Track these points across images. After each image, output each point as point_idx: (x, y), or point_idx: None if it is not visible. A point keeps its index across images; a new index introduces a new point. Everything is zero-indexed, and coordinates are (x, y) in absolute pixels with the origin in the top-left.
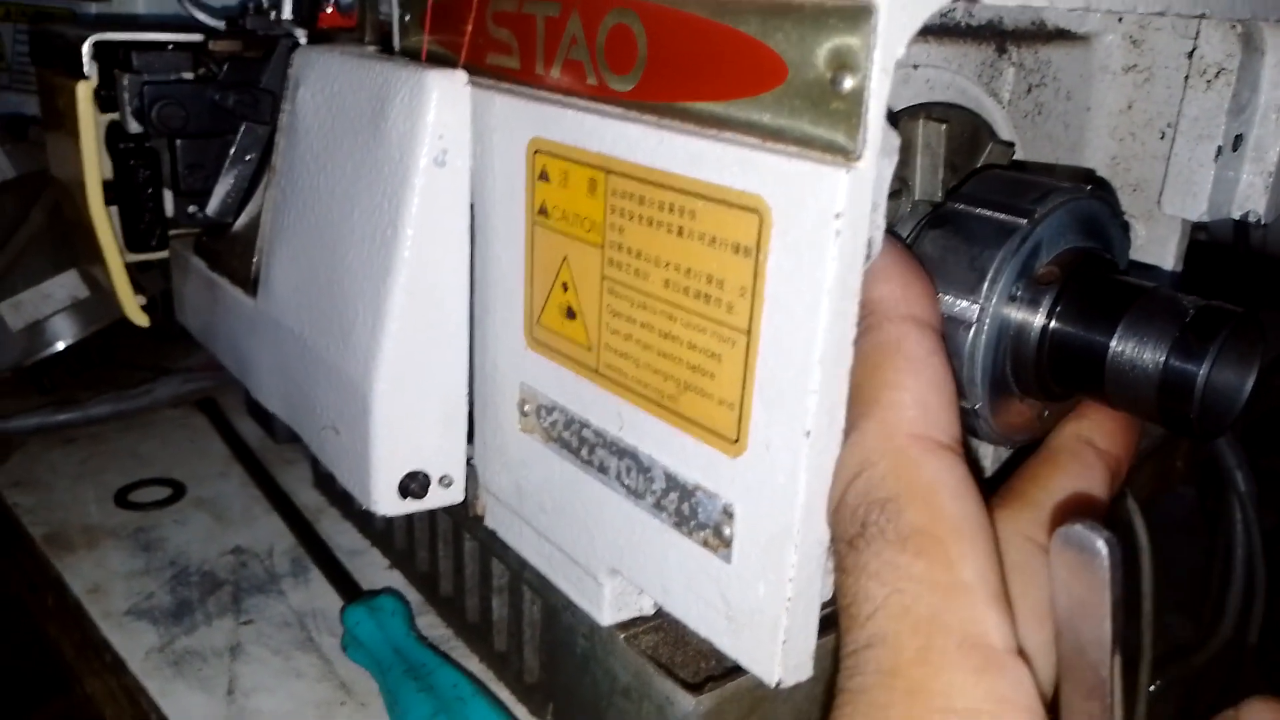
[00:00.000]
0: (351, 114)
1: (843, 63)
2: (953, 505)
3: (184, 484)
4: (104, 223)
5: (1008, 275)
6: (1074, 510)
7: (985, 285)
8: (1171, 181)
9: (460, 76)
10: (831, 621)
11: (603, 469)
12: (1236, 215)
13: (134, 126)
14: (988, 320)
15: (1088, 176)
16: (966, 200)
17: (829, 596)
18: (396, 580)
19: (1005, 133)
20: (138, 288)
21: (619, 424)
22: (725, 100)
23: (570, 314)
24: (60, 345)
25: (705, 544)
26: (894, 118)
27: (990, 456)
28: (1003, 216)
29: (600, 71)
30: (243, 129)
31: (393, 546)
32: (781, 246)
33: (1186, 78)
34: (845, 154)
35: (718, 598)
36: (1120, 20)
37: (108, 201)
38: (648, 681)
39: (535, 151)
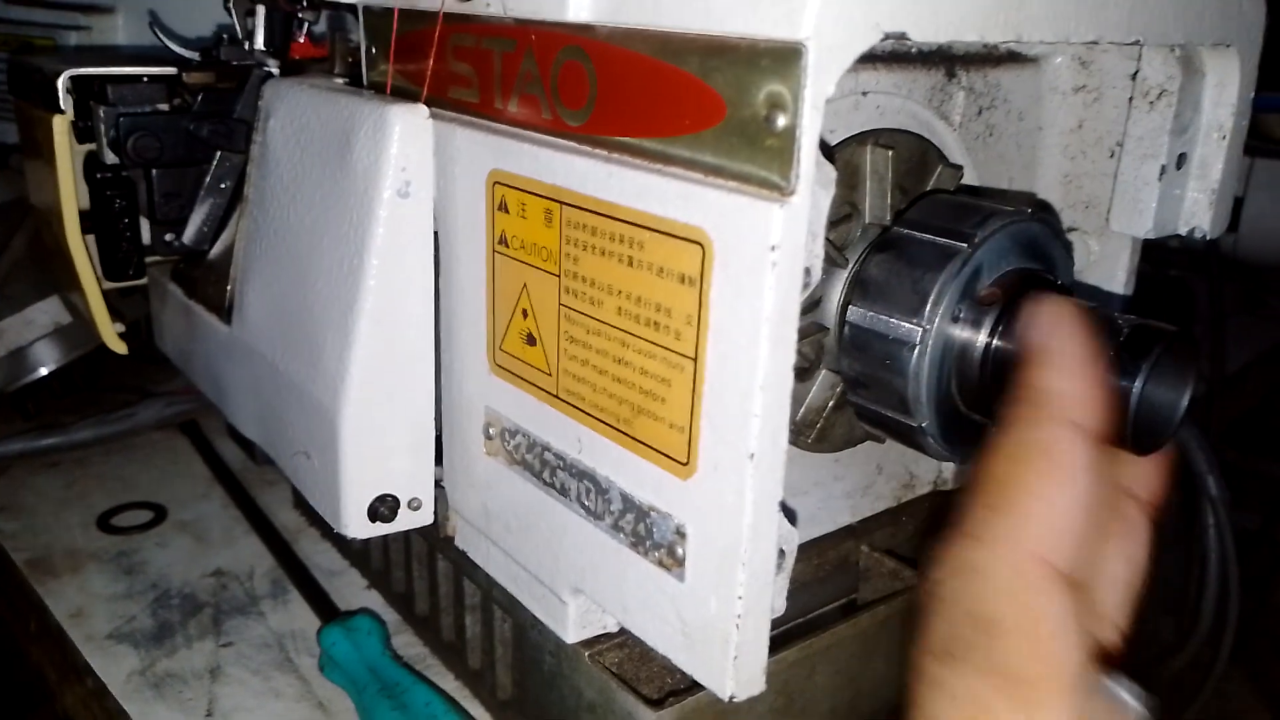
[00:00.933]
0: (319, 145)
1: (775, 102)
2: (1054, 647)
3: (166, 507)
4: (81, 252)
5: (950, 297)
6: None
7: (928, 307)
8: (1118, 199)
9: (422, 110)
10: (787, 638)
11: (564, 491)
12: (1183, 231)
13: (110, 157)
14: (931, 341)
15: (1030, 200)
16: (911, 225)
17: (780, 613)
18: (374, 600)
19: (955, 156)
20: (117, 315)
21: (578, 447)
22: (670, 136)
23: (530, 340)
24: (43, 371)
25: (660, 563)
26: (829, 150)
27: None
28: (945, 241)
29: (554, 106)
30: (217, 159)
31: (370, 567)
32: (723, 277)
33: (1131, 99)
34: (779, 189)
35: (673, 615)
36: (1068, 43)
37: (85, 230)
38: (611, 697)
39: (495, 183)
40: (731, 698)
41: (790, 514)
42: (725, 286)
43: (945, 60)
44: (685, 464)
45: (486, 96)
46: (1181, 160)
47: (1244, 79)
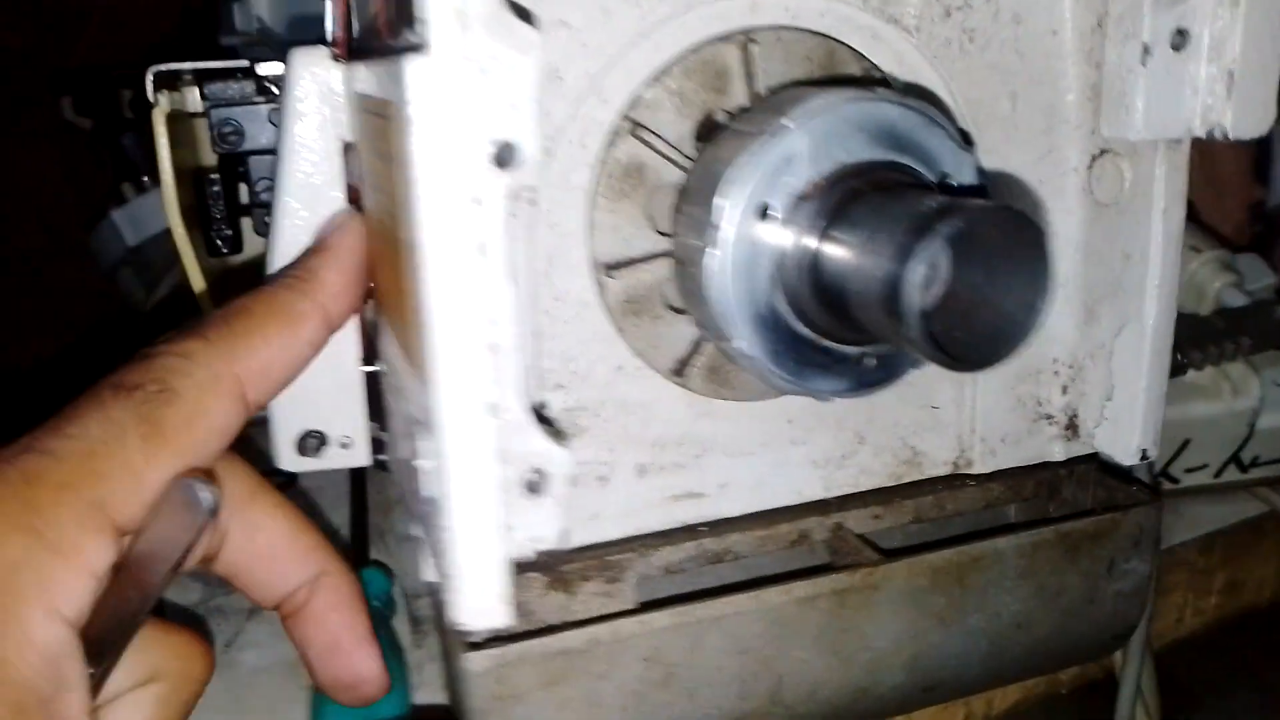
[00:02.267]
0: None
1: None
2: None
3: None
4: (182, 235)
5: (749, 193)
6: None
7: (715, 203)
8: (1105, 95)
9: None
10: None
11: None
12: (1201, 132)
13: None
14: (726, 244)
15: (917, 91)
16: (738, 119)
17: (555, 542)
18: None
19: (908, 66)
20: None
21: (393, 365)
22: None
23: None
24: None
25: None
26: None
27: None
28: (750, 129)
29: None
30: None
31: None
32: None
33: None
34: (416, 46)
35: (438, 544)
36: None
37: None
38: (453, 640)
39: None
40: (466, 629)
41: (557, 433)
42: (400, 160)
43: None
44: (416, 366)
45: None
46: (1180, 39)
47: None
